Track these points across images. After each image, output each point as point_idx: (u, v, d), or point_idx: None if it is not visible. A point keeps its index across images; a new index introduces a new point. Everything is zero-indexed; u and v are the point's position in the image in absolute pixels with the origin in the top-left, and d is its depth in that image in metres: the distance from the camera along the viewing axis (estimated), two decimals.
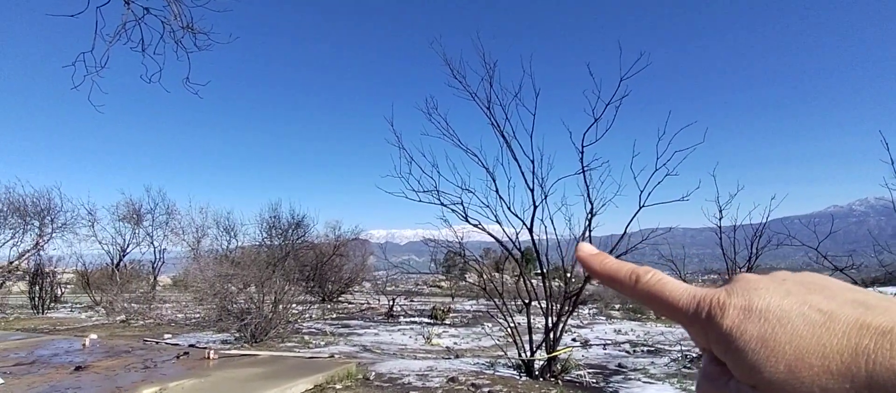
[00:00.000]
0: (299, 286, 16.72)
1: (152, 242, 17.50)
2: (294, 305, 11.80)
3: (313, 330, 12.42)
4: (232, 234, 19.66)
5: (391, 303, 17.03)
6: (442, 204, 7.25)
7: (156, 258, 17.64)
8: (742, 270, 9.35)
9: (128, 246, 17.10)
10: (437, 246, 7.68)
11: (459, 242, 7.59)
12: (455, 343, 11.28)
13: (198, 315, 13.96)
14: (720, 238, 9.27)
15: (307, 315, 14.72)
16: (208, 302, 10.82)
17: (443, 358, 8.88)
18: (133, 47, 4.68)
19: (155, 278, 18.07)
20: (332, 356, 7.75)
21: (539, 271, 7.42)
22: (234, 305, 9.96)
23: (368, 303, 21.05)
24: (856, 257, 6.42)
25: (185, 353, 7.47)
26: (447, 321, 15.31)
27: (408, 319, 15.65)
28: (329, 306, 19.50)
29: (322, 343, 10.31)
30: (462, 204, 7.14)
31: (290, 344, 9.84)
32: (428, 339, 11.36)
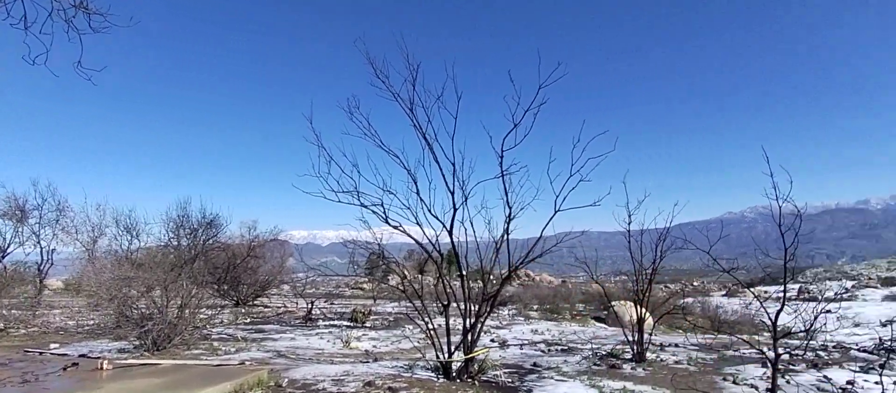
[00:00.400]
0: (210, 289, 15.82)
1: (39, 242, 15.72)
2: (203, 310, 11.13)
3: (224, 336, 11.77)
4: (134, 233, 18.11)
5: (310, 306, 16.53)
6: (362, 205, 7.13)
7: (43, 260, 15.86)
8: (648, 271, 9.98)
9: (8, 246, 15.25)
10: (356, 247, 7.54)
11: (378, 244, 7.48)
12: (374, 346, 11.13)
13: (92, 322, 12.78)
14: (629, 241, 9.83)
15: (218, 320, 13.94)
16: (104, 307, 9.92)
17: (361, 362, 8.73)
18: (14, 24, 4.18)
19: (41, 282, 16.27)
20: (242, 363, 7.37)
21: (459, 273, 7.49)
22: (135, 311, 9.20)
23: (286, 306, 20.31)
24: (741, 261, 7.04)
25: (74, 364, 6.80)
26: (368, 324, 15.09)
27: (327, 323, 15.25)
28: (243, 310, 18.59)
29: (233, 349, 9.79)
30: (383, 205, 7.06)
31: (196, 351, 9.25)
32: (346, 342, 11.13)
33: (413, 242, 7.65)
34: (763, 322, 12.46)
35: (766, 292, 34.27)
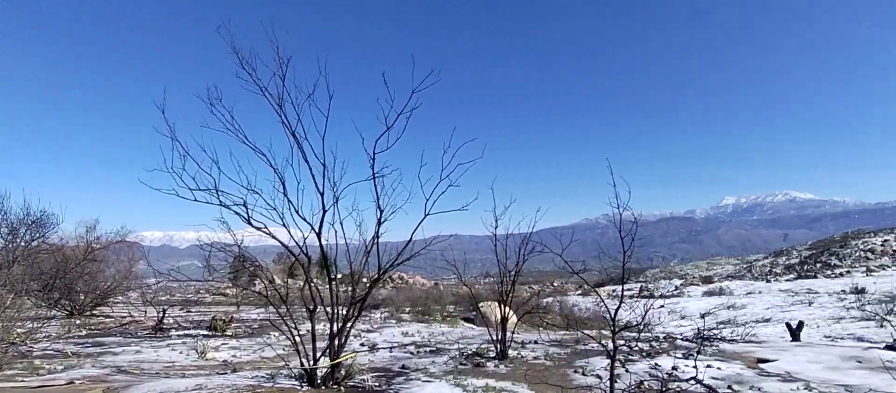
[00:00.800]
0: (34, 298, 13.64)
1: None
2: (21, 323, 9.54)
3: (50, 352, 10.21)
4: None
5: (161, 315, 14.98)
6: (222, 205, 6.62)
7: None
8: (512, 273, 10.58)
9: None
10: (213, 250, 6.97)
11: (239, 246, 7.00)
12: (234, 356, 10.41)
13: None
14: (495, 245, 10.34)
15: (43, 334, 12.04)
16: None
17: (217, 373, 8.10)
18: None
19: None
20: (71, 383, 6.45)
21: (328, 276, 7.27)
22: None
23: (132, 316, 18.20)
24: (594, 262, 7.81)
25: None
26: (228, 332, 14.08)
27: (181, 333, 13.94)
28: (79, 322, 16.28)
29: (60, 367, 8.51)
30: (245, 206, 6.61)
31: (11, 372, 7.89)
32: (202, 353, 10.26)
33: (280, 244, 7.29)
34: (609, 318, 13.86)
35: (614, 291, 38.15)
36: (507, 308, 10.35)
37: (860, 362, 8.93)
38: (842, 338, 14.19)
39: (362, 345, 12.12)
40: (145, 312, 18.54)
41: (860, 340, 13.27)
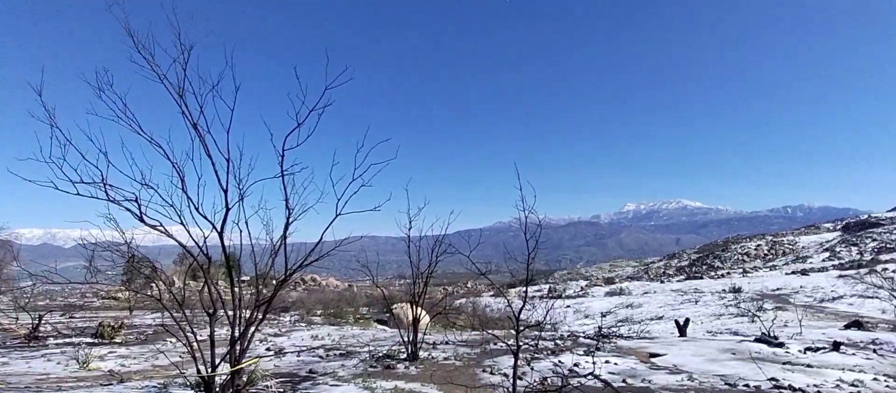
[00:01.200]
0: None
1: None
2: None
3: None
4: None
5: (36, 322, 13.43)
6: (111, 200, 6.04)
7: None
8: (424, 275, 10.63)
9: None
10: (98, 249, 6.34)
11: (128, 245, 6.42)
12: (123, 365, 9.55)
13: None
14: (408, 246, 10.33)
15: None
16: None
17: (101, 385, 7.40)
18: None
19: None
20: None
21: (229, 278, 6.86)
22: None
23: (1, 324, 16.15)
24: (508, 264, 8.05)
25: None
26: (118, 339, 12.92)
27: (61, 341, 12.58)
28: None
29: None
30: (138, 201, 6.07)
31: None
32: (85, 363, 9.31)
33: (190, 244, 6.77)
34: (535, 320, 14.33)
35: (524, 291, 39.42)
36: (420, 309, 10.38)
37: (734, 354, 9.92)
38: (721, 332, 15.68)
39: (268, 350, 11.61)
40: (17, 318, 16.52)
41: (736, 333, 14.73)
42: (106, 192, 5.99)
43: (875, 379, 7.81)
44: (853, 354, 10.05)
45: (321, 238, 6.88)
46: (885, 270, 28.69)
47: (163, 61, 6.12)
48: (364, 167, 6.83)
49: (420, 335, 10.27)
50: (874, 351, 10.48)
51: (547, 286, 48.12)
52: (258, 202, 7.03)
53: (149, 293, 7.28)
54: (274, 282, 7.99)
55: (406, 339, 9.99)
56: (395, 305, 17.18)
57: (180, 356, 9.39)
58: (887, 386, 7.45)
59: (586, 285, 48.52)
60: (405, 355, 9.85)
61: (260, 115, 7.03)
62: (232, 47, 6.21)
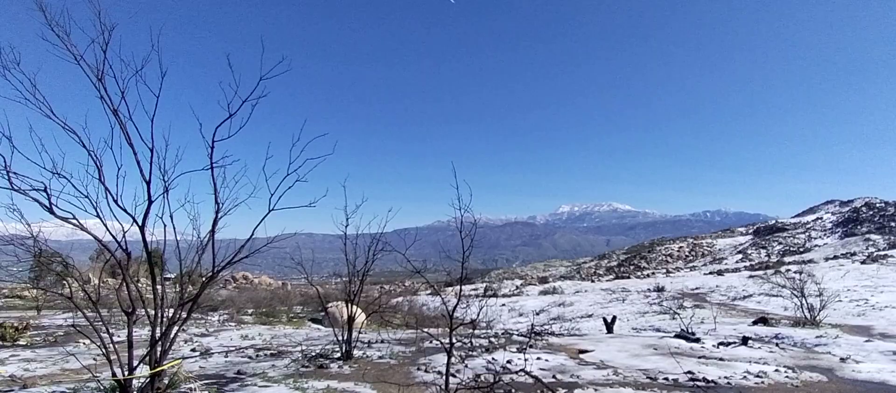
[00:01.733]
0: None
1: None
2: None
3: None
4: None
5: None
6: (15, 189, 5.54)
7: None
8: (361, 273, 10.50)
9: None
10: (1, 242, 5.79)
11: (34, 238, 5.91)
12: (27, 370, 8.78)
13: None
14: (345, 244, 10.17)
15: None
16: None
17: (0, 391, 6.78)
18: None
19: None
20: None
21: (151, 276, 6.47)
22: None
23: None
24: (428, 263, 8.11)
25: None
26: (22, 342, 11.87)
27: None
28: None
29: None
30: (47, 191, 5.60)
31: None
32: None
33: (108, 238, 6.30)
34: (470, 318, 14.44)
35: (461, 290, 39.81)
36: (355, 308, 10.24)
37: (656, 349, 10.49)
38: (645, 329, 16.52)
39: (194, 350, 11.07)
40: None
41: (658, 330, 15.57)
42: (10, 180, 5.50)
43: (776, 370, 8.51)
44: (759, 347, 10.88)
45: (252, 234, 6.63)
46: (788, 270, 31.27)
47: (81, 41, 5.69)
48: (300, 162, 6.64)
49: (355, 334, 10.14)
50: (776, 345, 11.40)
51: (483, 285, 48.86)
52: (185, 195, 6.69)
53: (60, 292, 6.75)
54: (202, 279, 7.63)
55: (340, 338, 9.83)
56: (330, 304, 16.87)
57: (94, 359, 8.77)
58: (786, 377, 8.13)
59: (521, 284, 49.70)
60: (339, 355, 9.69)
61: (189, 103, 6.70)
62: (159, 30, 5.85)
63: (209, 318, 19.58)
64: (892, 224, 52.17)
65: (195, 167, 6.44)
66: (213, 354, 10.66)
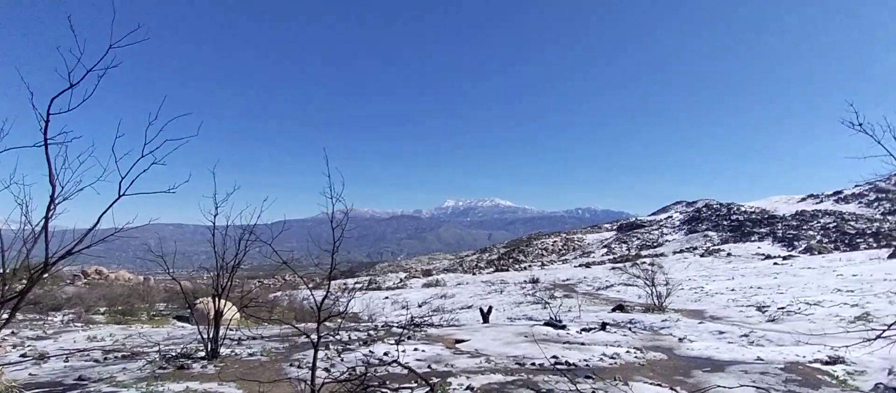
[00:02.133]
0: None
1: None
2: None
3: None
4: None
5: None
6: None
7: None
8: (231, 266, 9.81)
9: None
10: None
11: None
12: None
13: None
14: (213, 235, 9.42)
15: None
16: None
17: None
18: None
19: None
20: None
21: None
22: None
23: None
24: (315, 257, 7.82)
25: None
26: None
27: None
28: None
29: None
30: None
31: None
32: None
33: None
34: (337, 310, 14.14)
35: (345, 284, 39.23)
36: (225, 303, 9.55)
37: (526, 337, 11.11)
38: (519, 318, 17.48)
39: (24, 356, 9.60)
40: None
41: (530, 319, 16.55)
42: None
43: (628, 351, 9.45)
44: (615, 331, 12.02)
45: (97, 222, 5.85)
46: (644, 262, 34.98)
47: None
48: (157, 142, 5.96)
49: (223, 331, 9.47)
50: (630, 329, 12.68)
51: (367, 278, 48.52)
52: (10, 176, 5.75)
53: None
54: (31, 274, 6.63)
55: (206, 335, 9.12)
56: (198, 300, 15.62)
57: None
58: (635, 357, 9.07)
59: (406, 277, 50.12)
60: (203, 354, 8.99)
61: (16, 68, 5.74)
62: None
63: (49, 318, 17.15)
64: (725, 222, 60.74)
65: (25, 143, 5.55)
66: (49, 358, 9.33)
